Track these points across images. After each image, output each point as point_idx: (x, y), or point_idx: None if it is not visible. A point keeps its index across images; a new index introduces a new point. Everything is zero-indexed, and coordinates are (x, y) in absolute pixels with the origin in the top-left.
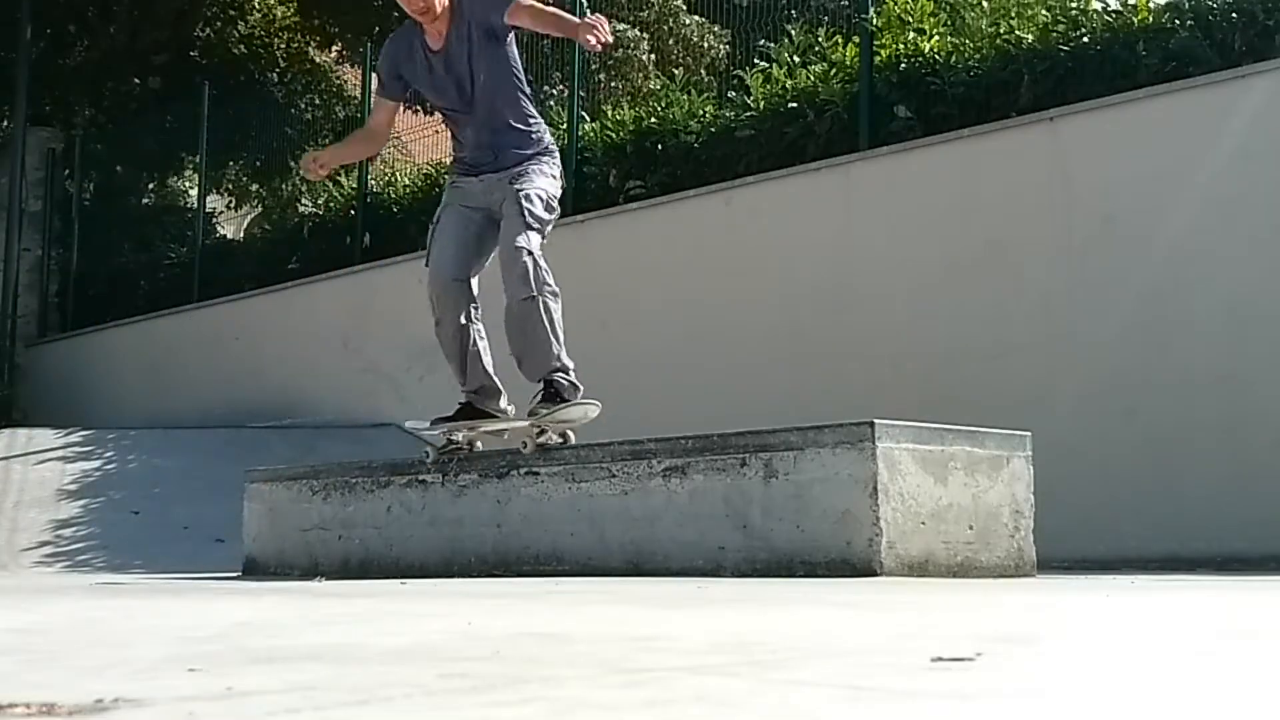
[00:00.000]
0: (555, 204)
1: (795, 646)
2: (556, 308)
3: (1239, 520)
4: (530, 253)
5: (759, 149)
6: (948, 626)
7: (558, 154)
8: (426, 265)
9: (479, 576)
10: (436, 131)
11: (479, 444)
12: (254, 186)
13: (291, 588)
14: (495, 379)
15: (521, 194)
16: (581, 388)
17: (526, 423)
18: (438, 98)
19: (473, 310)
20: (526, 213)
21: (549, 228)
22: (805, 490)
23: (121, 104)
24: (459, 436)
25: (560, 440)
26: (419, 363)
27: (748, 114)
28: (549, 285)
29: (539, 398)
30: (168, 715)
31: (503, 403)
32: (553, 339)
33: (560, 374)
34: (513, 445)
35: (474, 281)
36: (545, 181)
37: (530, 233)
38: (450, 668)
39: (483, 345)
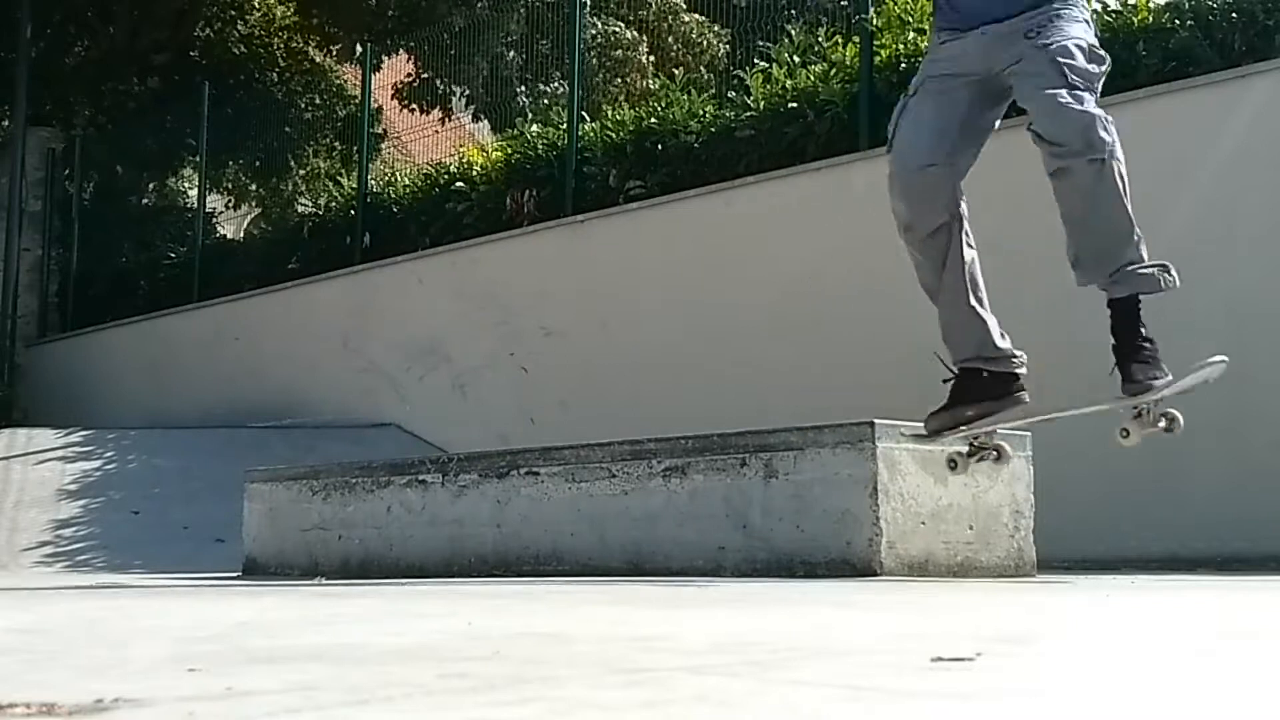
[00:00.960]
0: (1100, 52)
1: (795, 646)
2: (1127, 179)
3: (1239, 520)
4: (1082, 103)
5: (759, 149)
6: (948, 626)
7: None
8: (888, 152)
9: (479, 576)
10: (436, 131)
11: (1003, 445)
12: (253, 186)
13: (291, 588)
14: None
15: (1051, 46)
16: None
17: (1115, 404)
18: None
19: (958, 206)
20: (1065, 68)
21: (1098, 84)
22: (805, 490)
23: (121, 104)
24: (980, 433)
25: (1166, 426)
26: (419, 363)
27: (747, 114)
28: (1115, 147)
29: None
30: (168, 715)
31: (1007, 342)
32: (1132, 221)
33: (1141, 268)
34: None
35: (960, 181)
36: (1079, 29)
37: (1075, 91)
38: (450, 668)
39: (969, 255)
